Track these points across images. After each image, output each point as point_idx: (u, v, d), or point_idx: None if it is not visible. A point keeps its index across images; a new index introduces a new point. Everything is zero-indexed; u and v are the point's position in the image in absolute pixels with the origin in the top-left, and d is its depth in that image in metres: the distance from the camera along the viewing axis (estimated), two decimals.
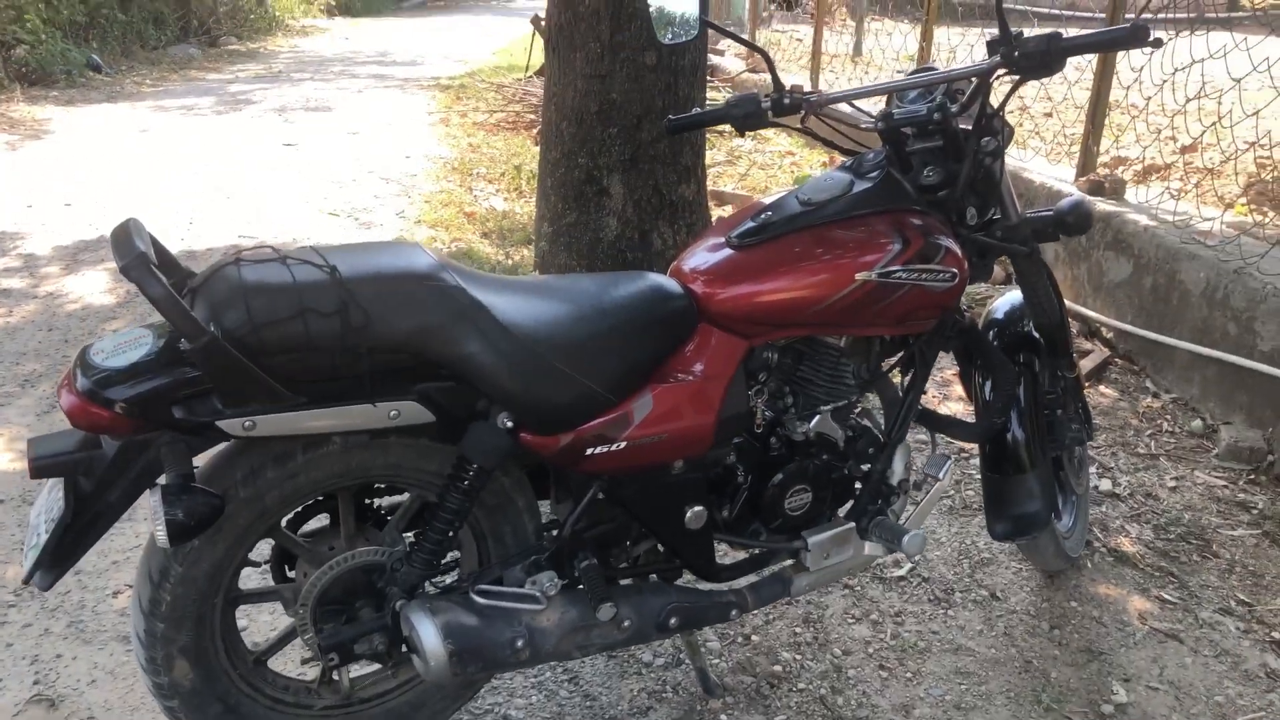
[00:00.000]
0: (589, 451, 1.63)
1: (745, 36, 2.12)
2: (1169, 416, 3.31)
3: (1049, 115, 5.75)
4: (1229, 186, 4.12)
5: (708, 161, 6.55)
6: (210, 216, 5.30)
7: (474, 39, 14.63)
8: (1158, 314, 3.55)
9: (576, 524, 1.72)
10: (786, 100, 1.91)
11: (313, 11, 17.58)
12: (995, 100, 1.88)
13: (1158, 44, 1.63)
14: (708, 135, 7.04)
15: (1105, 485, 2.90)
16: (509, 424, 1.55)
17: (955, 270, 1.83)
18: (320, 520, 1.71)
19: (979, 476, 2.25)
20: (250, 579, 1.97)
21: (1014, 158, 4.72)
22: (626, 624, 1.72)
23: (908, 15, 7.67)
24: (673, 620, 1.77)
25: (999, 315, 2.32)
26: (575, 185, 3.42)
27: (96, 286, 4.13)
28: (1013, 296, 2.33)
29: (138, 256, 1.27)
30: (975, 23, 5.50)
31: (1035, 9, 6.82)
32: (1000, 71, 1.75)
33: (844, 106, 1.98)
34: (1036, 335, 2.25)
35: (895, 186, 1.87)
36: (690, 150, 3.46)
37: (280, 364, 1.38)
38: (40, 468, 1.37)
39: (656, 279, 1.76)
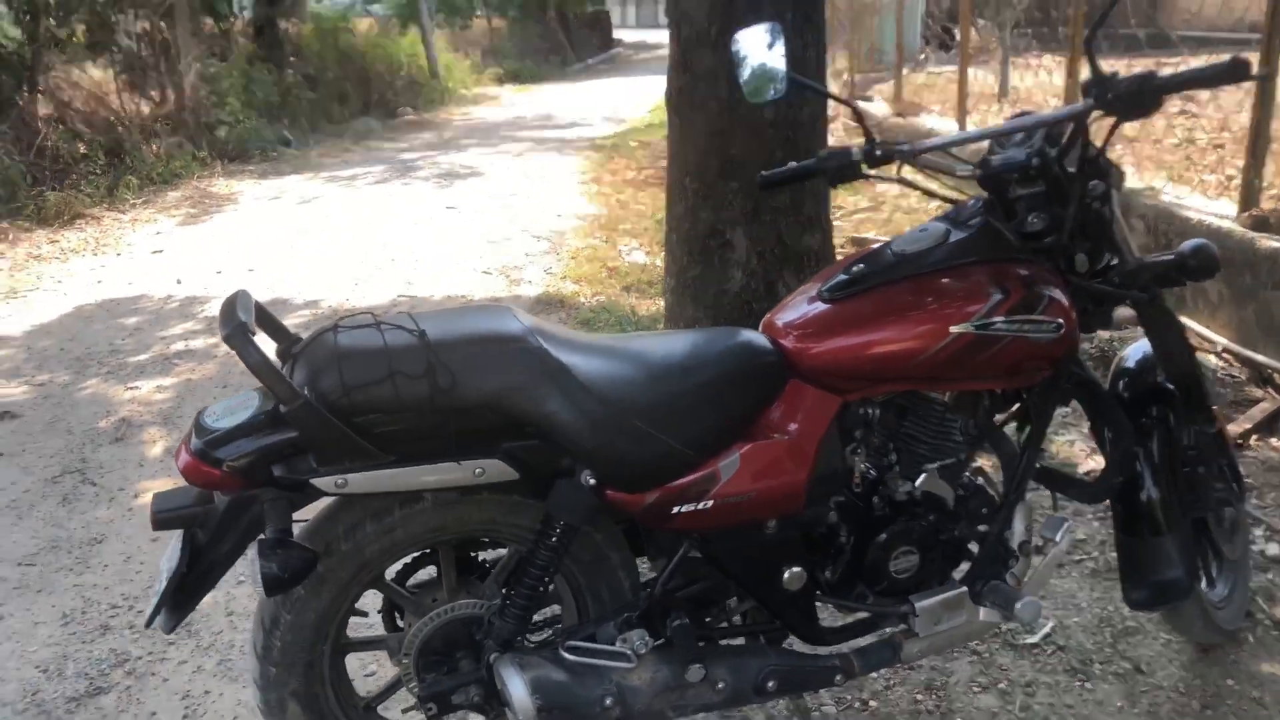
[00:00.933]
0: (675, 509, 1.64)
1: (834, 90, 2.10)
2: None
3: (1220, 147, 5.42)
4: None
5: (851, 207, 6.52)
6: (375, 277, 5.63)
7: (631, 99, 15.01)
8: None
9: (668, 582, 1.73)
10: (879, 152, 1.89)
11: (483, 81, 18.51)
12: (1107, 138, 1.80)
13: (1263, 77, 1.54)
14: (851, 184, 6.99)
15: (1273, 549, 2.66)
16: (592, 481, 1.58)
17: (1061, 320, 1.75)
18: (430, 573, 1.78)
19: None
20: (366, 628, 2.06)
21: (1170, 195, 4.46)
22: (721, 685, 1.70)
23: (1059, 49, 7.42)
24: (770, 684, 1.74)
25: (1129, 365, 2.19)
26: (699, 239, 3.45)
27: (267, 348, 4.44)
28: (1144, 344, 2.19)
29: (238, 326, 1.39)
30: (1143, 54, 5.26)
31: (1186, 32, 6.46)
32: (1097, 112, 1.68)
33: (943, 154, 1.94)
34: (1170, 387, 2.11)
35: (994, 235, 1.81)
36: (813, 200, 3.44)
37: (371, 424, 1.46)
38: (160, 521, 1.50)
39: (746, 335, 1.77)
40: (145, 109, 9.71)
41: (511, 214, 7.18)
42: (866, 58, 11.65)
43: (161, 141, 9.21)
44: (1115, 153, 5.12)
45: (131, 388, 4.14)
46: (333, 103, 13.04)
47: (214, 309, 5.07)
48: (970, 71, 7.37)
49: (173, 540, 1.58)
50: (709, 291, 3.54)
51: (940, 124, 7.73)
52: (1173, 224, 4.28)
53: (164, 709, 2.19)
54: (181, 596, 1.51)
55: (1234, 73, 1.55)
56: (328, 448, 1.44)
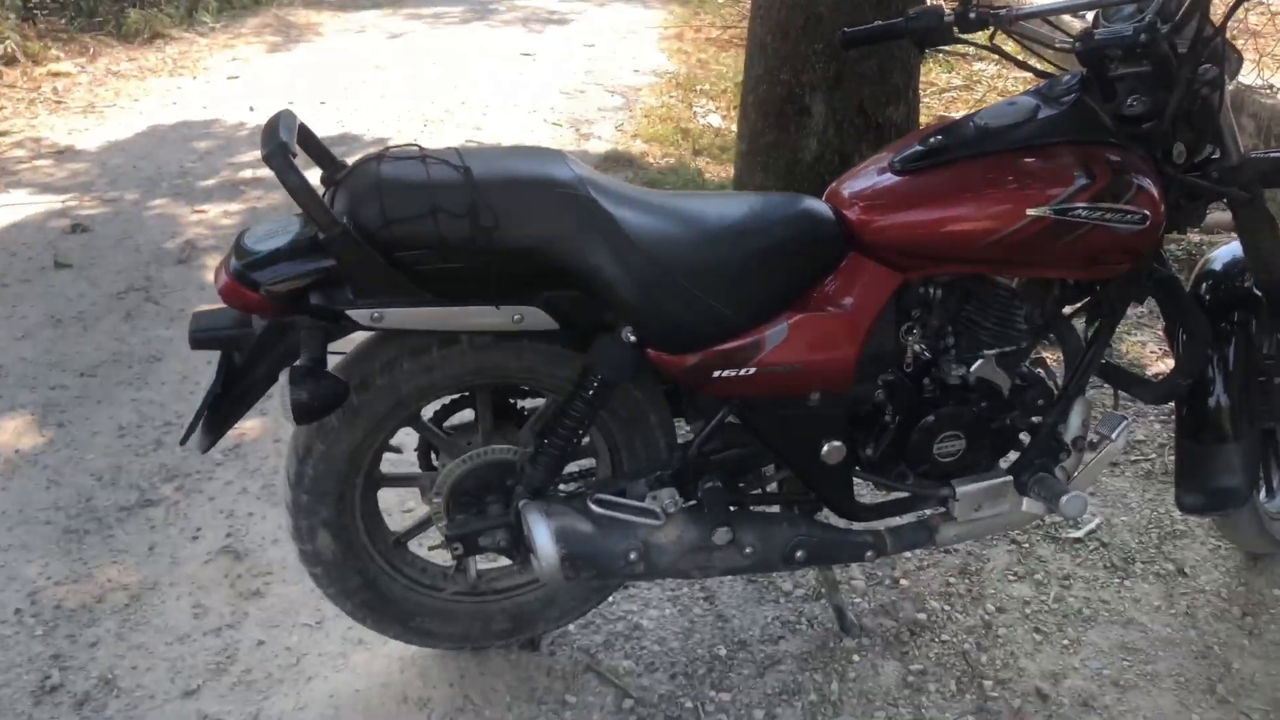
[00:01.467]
0: (717, 374, 1.60)
1: None
2: None
3: None
4: None
5: (943, 85, 6.20)
6: (445, 119, 5.55)
7: None
8: None
9: (704, 445, 1.71)
10: (973, 14, 1.74)
11: None
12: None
13: None
14: (947, 59, 6.63)
15: None
16: (633, 339, 1.54)
17: (1148, 212, 1.63)
18: (467, 416, 1.78)
19: None
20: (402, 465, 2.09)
21: None
22: (749, 550, 1.70)
23: None
24: (799, 554, 1.73)
25: (1216, 267, 2.06)
26: (776, 103, 3.31)
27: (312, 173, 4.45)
28: (1234, 247, 2.06)
29: (278, 146, 1.35)
30: None
31: None
32: None
33: (1042, 24, 1.79)
34: (1257, 293, 1.98)
35: (1088, 115, 1.68)
36: (901, 70, 3.26)
37: (410, 259, 1.43)
38: (197, 340, 1.51)
39: (807, 202, 1.69)
40: None
41: (588, 66, 6.97)
42: None
43: None
44: (1236, 40, 4.78)
45: (199, 210, 4.18)
46: None
47: None
48: None
49: (214, 362, 1.59)
50: (781, 160, 3.42)
51: None
52: None
53: (209, 525, 2.27)
54: (216, 417, 1.52)
55: None
56: (365, 279, 1.42)
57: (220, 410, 1.52)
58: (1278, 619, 2.06)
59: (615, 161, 4.88)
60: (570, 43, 7.77)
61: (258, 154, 1.49)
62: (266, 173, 1.50)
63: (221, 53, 7.09)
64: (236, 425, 1.61)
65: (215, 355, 1.54)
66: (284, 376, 1.42)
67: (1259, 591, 2.14)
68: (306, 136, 1.50)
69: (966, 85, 6.21)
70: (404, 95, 6.07)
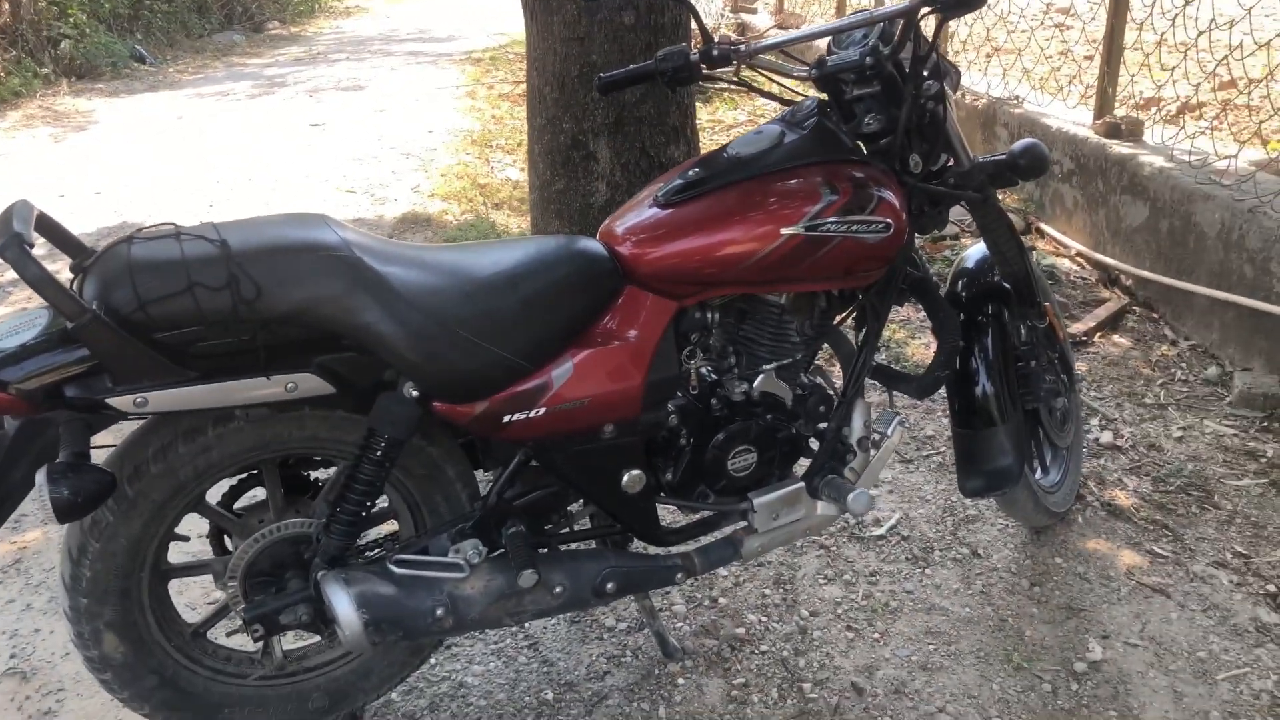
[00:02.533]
0: (507, 419, 1.61)
1: None
2: (1184, 365, 3.18)
3: (1089, 58, 5.53)
4: (1273, 122, 3.91)
5: (730, 121, 6.48)
6: (231, 199, 5.38)
7: (513, 9, 14.54)
8: (1175, 258, 3.41)
9: (503, 491, 1.71)
10: (715, 51, 1.85)
11: None
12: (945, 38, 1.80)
13: None
14: (732, 96, 6.94)
15: (1106, 437, 2.79)
16: (415, 394, 1.54)
17: (891, 220, 1.76)
18: (261, 494, 1.72)
19: None
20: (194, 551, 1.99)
21: (1033, 104, 4.55)
22: (559, 590, 1.70)
23: None
24: (610, 585, 1.75)
25: (969, 264, 2.24)
26: (562, 151, 3.38)
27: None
28: (983, 246, 2.24)
29: (13, 238, 1.29)
30: None
31: None
32: (925, 10, 1.66)
33: (781, 55, 1.91)
34: (1006, 285, 2.16)
35: (828, 136, 1.81)
36: (678, 110, 3.39)
37: (172, 340, 1.39)
38: None
39: (581, 243, 1.73)
40: None
41: (380, 131, 6.92)
42: None
43: None
44: (985, 62, 5.20)
45: None
46: (191, 15, 12.28)
47: None
48: None
49: None
50: (573, 205, 3.48)
51: (808, 26, 7.69)
52: (1034, 131, 4.38)
53: None
54: None
55: None
56: (122, 365, 1.36)
57: None
58: (1061, 584, 2.23)
59: (412, 222, 4.85)
60: (362, 110, 7.70)
61: (46, 246, 1.42)
62: (56, 267, 1.43)
63: None
64: (15, 538, 1.52)
65: None
66: (41, 475, 1.34)
67: (1043, 562, 2.30)
68: (48, 225, 1.43)
69: (751, 120, 6.52)
70: (187, 177, 5.85)
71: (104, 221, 4.95)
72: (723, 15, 9.40)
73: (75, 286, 1.41)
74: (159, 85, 9.30)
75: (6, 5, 9.00)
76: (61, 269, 1.42)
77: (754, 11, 9.69)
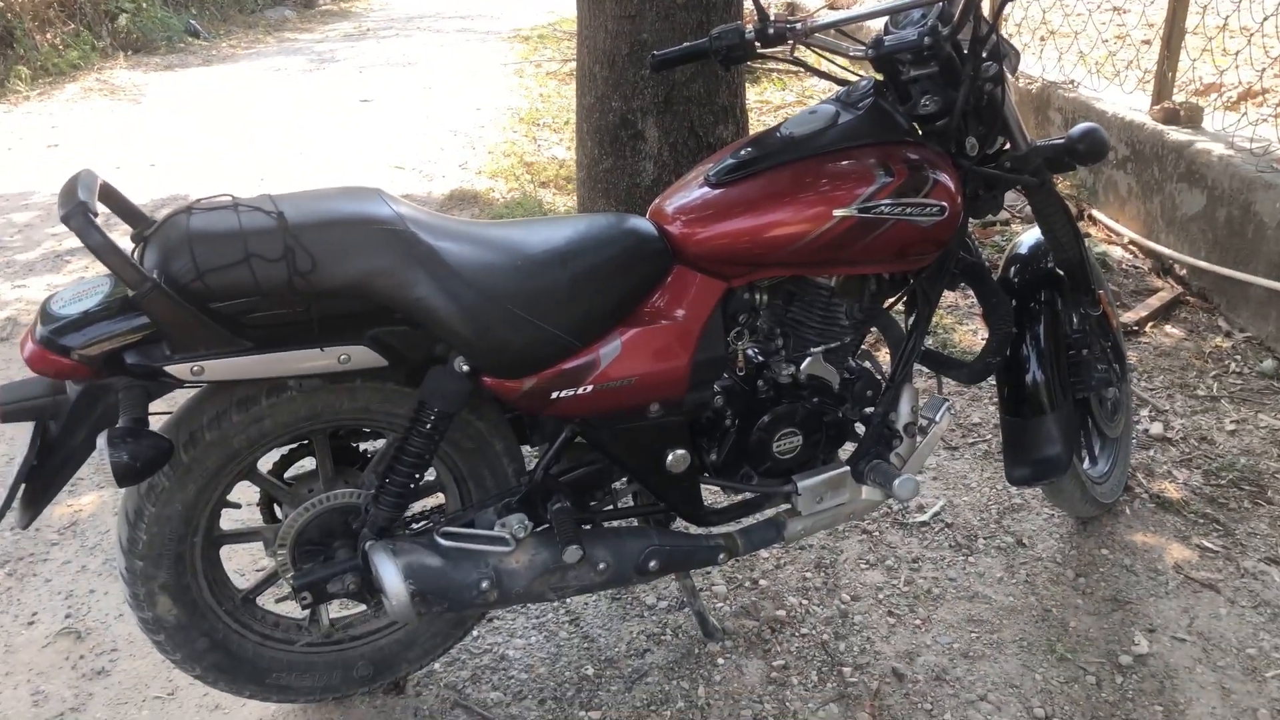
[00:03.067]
0: (554, 395, 1.62)
1: None
2: (1239, 357, 3.12)
3: (1147, 43, 5.41)
4: None
5: (779, 102, 6.43)
6: (281, 172, 5.44)
7: None
8: (1233, 248, 3.33)
9: (550, 467, 1.72)
10: (771, 30, 1.83)
11: None
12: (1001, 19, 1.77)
13: None
14: (780, 76, 6.88)
15: (1156, 429, 2.75)
16: (465, 368, 1.55)
17: (945, 204, 1.74)
18: (310, 464, 1.75)
19: None
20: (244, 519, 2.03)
21: (1088, 88, 4.46)
22: (602, 566, 1.72)
23: None
24: (652, 564, 1.76)
25: (1022, 250, 2.21)
26: (610, 130, 3.38)
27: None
28: (1037, 232, 2.21)
29: (78, 206, 1.31)
30: None
31: None
32: None
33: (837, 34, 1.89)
34: (1060, 272, 2.13)
35: (884, 117, 1.79)
36: (727, 90, 3.37)
37: (228, 309, 1.41)
38: (6, 413, 1.44)
39: (631, 221, 1.73)
40: None
41: (429, 107, 6.95)
42: None
43: (56, 30, 8.68)
44: (1040, 45, 5.10)
45: (19, 285, 3.97)
46: None
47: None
48: None
49: (26, 434, 1.53)
50: (620, 184, 3.48)
51: (866, 4, 7.60)
52: (1089, 117, 4.29)
53: (46, 608, 2.15)
54: (34, 491, 1.46)
55: None
56: (181, 333, 1.38)
57: (38, 483, 1.46)
58: (1106, 576, 2.20)
59: (460, 199, 4.87)
60: (411, 86, 7.73)
61: (104, 216, 1.44)
62: (116, 237, 1.46)
63: (38, 121, 6.77)
64: (71, 501, 1.55)
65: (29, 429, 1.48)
66: (102, 440, 1.37)
67: (1089, 553, 2.28)
68: (111, 195, 1.46)
69: (800, 100, 6.45)
70: (239, 151, 5.93)
71: (158, 193, 5.03)
72: None
73: (136, 255, 1.44)
74: (212, 60, 9.39)
75: None
76: (122, 238, 1.44)
77: None
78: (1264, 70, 3.83)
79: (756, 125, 5.29)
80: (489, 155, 5.62)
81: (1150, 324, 3.36)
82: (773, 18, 1.85)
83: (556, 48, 9.13)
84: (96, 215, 1.33)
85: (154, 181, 5.29)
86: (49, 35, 8.51)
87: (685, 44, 1.94)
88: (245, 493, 1.70)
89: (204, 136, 6.30)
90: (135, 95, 7.66)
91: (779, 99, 6.53)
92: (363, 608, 1.82)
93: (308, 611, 1.77)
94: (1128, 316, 3.35)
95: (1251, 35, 3.73)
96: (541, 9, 12.26)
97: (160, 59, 9.30)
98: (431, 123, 6.50)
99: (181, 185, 5.22)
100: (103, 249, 1.30)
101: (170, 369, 1.39)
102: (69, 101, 7.33)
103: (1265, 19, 3.45)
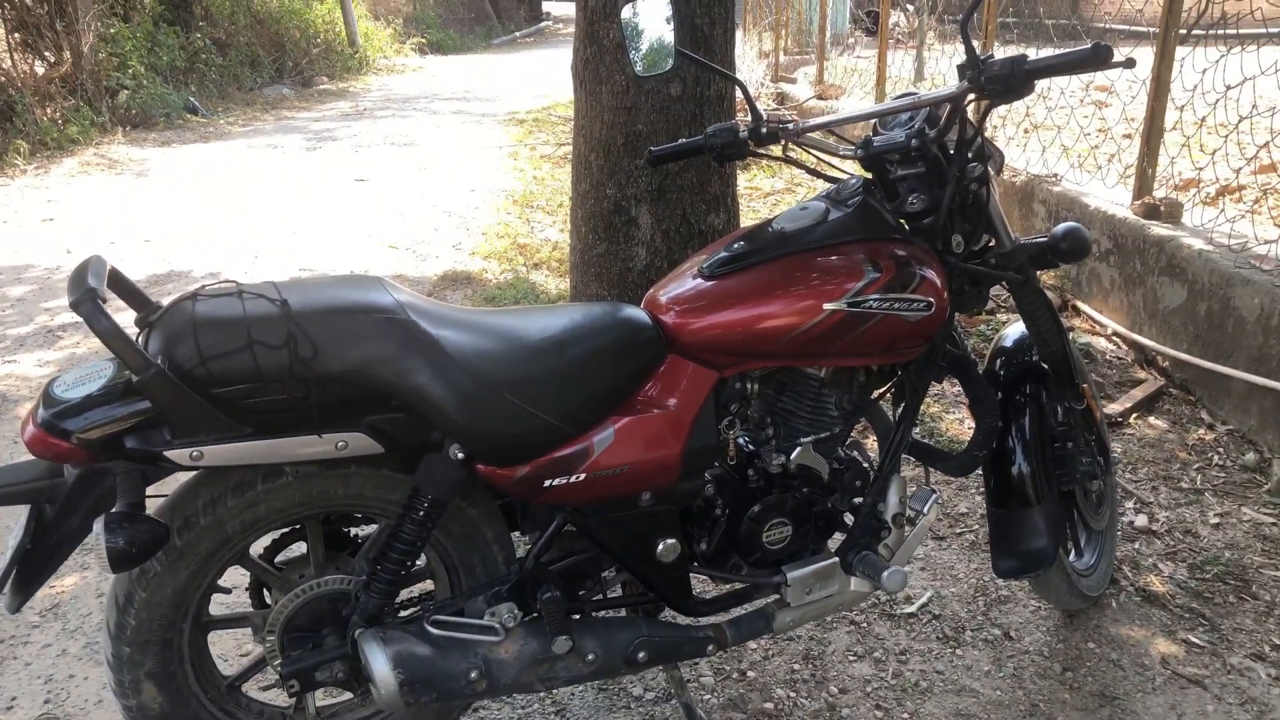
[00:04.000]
0: (547, 483, 1.63)
1: (760, 71, 2.10)
2: (1221, 449, 3.15)
3: (1128, 137, 5.57)
4: None
5: (768, 189, 6.56)
6: (275, 251, 5.50)
7: (556, 73, 14.82)
8: (1213, 341, 3.40)
9: (540, 556, 1.73)
10: (764, 129, 1.90)
11: (404, 50, 18.14)
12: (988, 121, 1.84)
13: (1128, 64, 1.58)
14: (769, 165, 7.03)
15: (1141, 521, 2.77)
16: (460, 456, 1.57)
17: (933, 299, 1.78)
18: (301, 549, 1.75)
19: None
20: (233, 605, 2.02)
21: (1071, 182, 4.58)
22: (591, 657, 1.71)
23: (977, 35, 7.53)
24: (641, 655, 1.75)
25: (1007, 344, 2.25)
26: (604, 216, 3.44)
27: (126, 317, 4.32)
28: (1023, 325, 2.25)
29: (87, 292, 1.33)
30: (1067, 41, 5.36)
31: (1093, 24, 6.63)
32: (972, 96, 1.71)
33: (828, 134, 1.96)
34: (1044, 366, 2.17)
35: (872, 214, 1.84)
36: (719, 180, 3.45)
37: (229, 395, 1.43)
38: (2, 496, 1.44)
39: (625, 310, 1.76)
40: (39, 70, 9.28)
41: (424, 188, 7.07)
42: (794, 39, 11.69)
43: (57, 105, 8.83)
44: (1024, 138, 5.25)
45: (10, 360, 3.98)
46: (243, 69, 12.64)
47: None
48: (894, 56, 7.45)
49: (21, 517, 1.53)
50: (613, 269, 3.53)
51: (856, 107, 7.81)
52: (1072, 210, 4.40)
53: (24, 693, 2.12)
54: (25, 574, 1.45)
55: (1096, 58, 1.59)
56: (182, 419, 1.40)
57: (30, 566, 1.45)
58: (1094, 670, 2.20)
59: (453, 280, 4.93)
60: (406, 166, 7.87)
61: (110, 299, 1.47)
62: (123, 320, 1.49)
63: (35, 195, 6.85)
64: (54, 583, 1.54)
65: (23, 512, 1.48)
66: (98, 524, 1.37)
67: (1076, 646, 2.28)
68: (118, 279, 1.49)
69: (789, 188, 6.59)
70: (234, 228, 6.00)
71: (151, 270, 5.07)
72: (763, 84, 9.56)
73: (140, 340, 1.46)
74: (210, 136, 9.56)
75: (69, 55, 9.31)
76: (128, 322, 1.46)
77: (793, 81, 9.85)
78: (1240, 168, 3.94)
79: (747, 211, 5.39)
80: (483, 236, 5.70)
81: (1134, 415, 3.40)
82: (765, 116, 1.92)
83: (551, 131, 9.32)
84: (105, 301, 1.36)
85: (149, 257, 5.34)
86: (49, 110, 8.65)
87: (681, 140, 2.01)
88: (233, 577, 1.69)
89: (200, 212, 6.37)
90: (133, 170, 7.77)
91: (768, 185, 6.66)
92: (349, 696, 1.80)
93: (293, 700, 1.75)
94: (1112, 408, 3.40)
95: (1228, 134, 3.85)
96: (536, 93, 12.55)
97: (158, 134, 9.47)
98: (426, 203, 6.60)
99: (176, 261, 5.27)
100: (110, 335, 1.32)
101: (170, 454, 1.41)
102: (67, 176, 7.43)
103: (1241, 119, 3.56)
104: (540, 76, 14.69)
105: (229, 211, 6.40)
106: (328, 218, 6.23)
